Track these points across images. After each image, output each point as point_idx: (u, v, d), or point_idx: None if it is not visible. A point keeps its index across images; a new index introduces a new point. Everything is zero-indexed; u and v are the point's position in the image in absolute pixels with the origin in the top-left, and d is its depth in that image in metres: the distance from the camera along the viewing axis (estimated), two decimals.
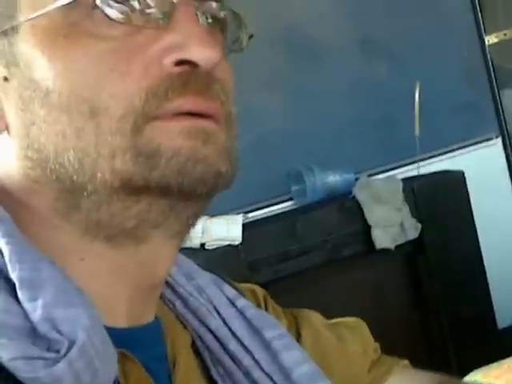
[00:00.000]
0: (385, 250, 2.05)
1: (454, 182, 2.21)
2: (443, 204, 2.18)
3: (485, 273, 2.18)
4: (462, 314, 2.11)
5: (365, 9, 2.32)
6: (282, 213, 2.11)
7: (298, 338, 0.68)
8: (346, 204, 2.06)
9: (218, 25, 0.50)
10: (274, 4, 2.24)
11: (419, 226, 2.12)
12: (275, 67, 2.25)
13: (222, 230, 1.82)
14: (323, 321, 0.73)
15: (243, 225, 1.89)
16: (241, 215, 1.94)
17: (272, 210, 2.14)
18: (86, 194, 0.45)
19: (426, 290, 2.15)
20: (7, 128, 0.47)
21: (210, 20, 0.49)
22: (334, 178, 2.13)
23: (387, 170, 2.28)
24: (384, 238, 2.06)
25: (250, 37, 0.52)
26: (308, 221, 1.99)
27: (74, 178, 0.45)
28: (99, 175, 0.44)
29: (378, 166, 2.28)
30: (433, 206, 2.15)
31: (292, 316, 0.71)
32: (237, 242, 1.85)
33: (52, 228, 0.47)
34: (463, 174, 2.21)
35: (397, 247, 2.07)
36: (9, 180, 0.47)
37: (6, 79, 0.46)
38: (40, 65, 0.45)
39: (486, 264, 2.20)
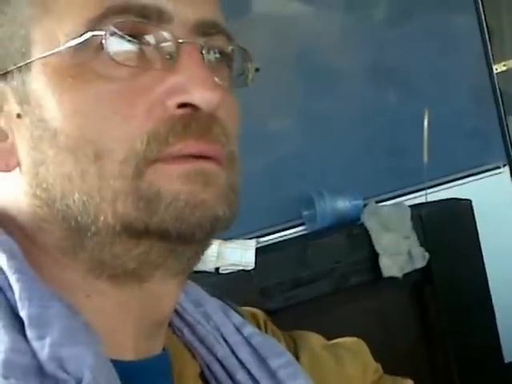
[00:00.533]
0: (392, 278, 2.05)
1: (462, 211, 2.20)
2: (451, 233, 2.17)
3: (491, 304, 2.17)
4: (468, 345, 2.10)
5: (376, 37, 2.34)
6: (294, 238, 2.12)
7: (297, 360, 0.68)
8: (354, 231, 2.07)
9: (224, 59, 0.50)
10: (289, 30, 2.25)
11: (427, 254, 2.11)
12: (288, 92, 2.26)
13: (236, 254, 1.84)
14: (323, 342, 0.73)
15: (256, 249, 1.90)
16: (254, 240, 1.95)
17: (284, 235, 2.14)
18: (89, 234, 0.46)
19: (432, 319, 2.15)
20: (19, 165, 0.48)
21: (217, 55, 0.49)
22: (343, 204, 2.13)
23: (395, 197, 2.28)
24: (392, 266, 2.05)
25: (256, 70, 0.52)
26: (318, 247, 1.99)
27: (79, 218, 0.46)
28: (102, 218, 0.45)
29: (387, 192, 2.29)
30: (440, 234, 2.15)
31: (290, 338, 0.71)
32: (250, 268, 1.86)
33: (59, 266, 0.48)
34: (471, 202, 2.21)
35: (404, 275, 2.07)
36: (19, 216, 0.48)
37: (19, 116, 0.47)
38: (50, 105, 0.45)
39: (492, 295, 2.19)
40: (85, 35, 0.44)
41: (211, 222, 0.46)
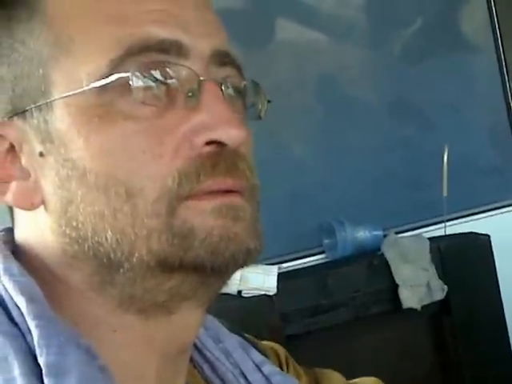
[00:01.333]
0: (411, 310, 2.06)
1: (480, 246, 2.21)
2: (469, 266, 2.18)
3: (508, 336, 2.18)
4: (485, 375, 2.09)
5: (398, 72, 2.37)
6: (315, 266, 2.13)
7: None
8: (374, 261, 2.09)
9: (239, 94, 0.51)
10: (312, 60, 2.28)
11: (445, 287, 2.12)
12: (309, 121, 2.29)
13: (259, 279, 1.88)
14: (344, 381, 0.74)
15: (278, 275, 1.93)
16: (276, 266, 1.98)
17: (305, 262, 2.16)
18: (121, 270, 0.46)
19: (450, 350, 2.14)
20: (43, 203, 0.48)
21: (231, 90, 0.50)
22: (363, 234, 2.15)
23: (414, 228, 2.30)
24: (411, 297, 2.06)
25: (268, 102, 0.53)
26: (338, 276, 2.01)
27: (112, 255, 0.46)
28: (136, 254, 0.45)
29: (406, 223, 2.30)
30: (459, 267, 2.16)
31: (312, 376, 0.71)
32: (272, 293, 1.89)
33: (86, 301, 0.48)
34: (489, 237, 2.22)
35: (423, 307, 2.07)
36: (45, 253, 0.48)
37: (41, 155, 0.47)
38: (76, 145, 0.46)
39: (509, 327, 2.19)
40: (111, 77, 0.45)
41: (244, 254, 0.47)
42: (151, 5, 0.47)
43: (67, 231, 0.47)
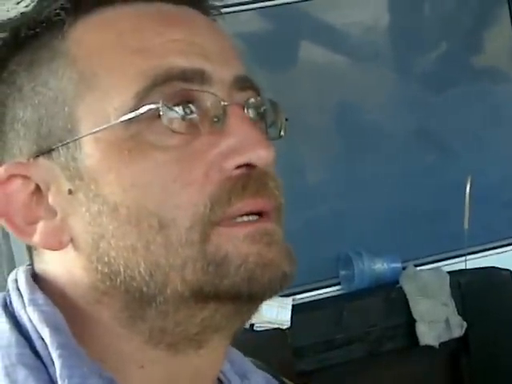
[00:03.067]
0: (428, 346, 2.02)
1: (502, 281, 2.19)
2: (490, 302, 2.15)
3: None
4: None
5: (422, 101, 2.35)
6: (330, 298, 2.10)
7: None
8: (391, 294, 2.06)
9: (260, 114, 0.52)
10: (335, 86, 2.27)
11: (464, 324, 2.09)
12: (327, 147, 2.26)
13: (273, 312, 1.84)
14: None
15: (292, 307, 1.89)
16: (291, 298, 1.94)
17: (320, 293, 2.13)
18: (154, 304, 0.46)
19: None
20: (72, 241, 0.48)
21: (253, 112, 0.51)
22: (381, 266, 2.13)
23: (434, 261, 2.26)
24: (428, 334, 2.03)
25: (286, 120, 0.53)
26: (354, 309, 1.98)
27: (144, 289, 0.46)
28: (171, 286, 0.45)
29: (426, 255, 2.27)
30: (479, 303, 2.13)
31: None
32: (285, 326, 1.84)
33: (113, 337, 0.47)
34: (511, 273, 2.18)
35: (440, 344, 2.04)
36: (73, 290, 0.48)
37: (70, 192, 0.47)
38: (107, 180, 0.46)
39: None
40: (140, 109, 0.45)
41: (280, 279, 0.46)
42: (172, 35, 0.48)
43: (99, 267, 0.47)
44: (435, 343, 2.02)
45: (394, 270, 2.13)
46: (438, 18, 2.41)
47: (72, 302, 0.48)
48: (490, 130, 2.39)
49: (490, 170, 2.36)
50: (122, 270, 0.46)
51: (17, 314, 0.47)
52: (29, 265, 0.52)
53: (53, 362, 0.44)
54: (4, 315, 0.47)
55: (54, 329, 0.45)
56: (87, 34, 0.49)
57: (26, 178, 0.48)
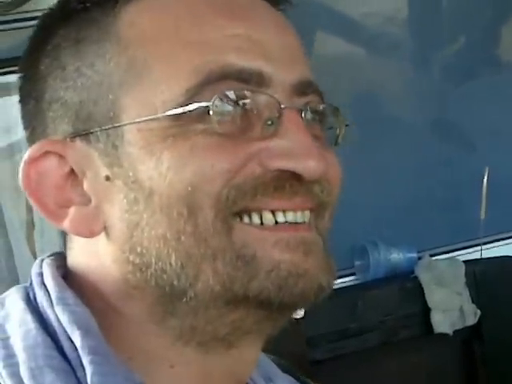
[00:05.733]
0: (442, 334, 2.04)
1: None
2: (504, 291, 2.15)
3: None
4: None
5: (440, 91, 2.34)
6: (344, 288, 2.11)
7: None
8: (407, 284, 2.07)
9: (318, 117, 0.49)
10: (350, 76, 2.25)
11: (478, 312, 2.10)
12: (344, 140, 2.27)
13: None
14: None
15: None
16: None
17: (335, 283, 2.14)
18: (184, 299, 0.45)
19: (480, 377, 2.12)
20: (105, 229, 0.46)
21: (311, 115, 0.48)
22: (397, 256, 2.14)
23: (450, 251, 2.27)
24: (443, 322, 2.05)
25: (346, 125, 0.51)
26: (368, 299, 2.00)
27: (175, 283, 0.44)
28: (202, 278, 0.44)
29: (441, 245, 2.27)
30: (493, 292, 2.14)
31: None
32: (299, 316, 1.85)
33: (144, 333, 0.46)
34: None
35: (454, 332, 2.06)
36: (103, 282, 0.47)
37: (108, 178, 0.46)
38: (147, 166, 0.44)
39: None
40: (190, 106, 0.44)
41: (315, 292, 0.45)
42: (232, 30, 0.46)
43: (131, 258, 0.45)
44: (449, 331, 2.04)
45: (410, 260, 2.13)
46: (457, 9, 2.38)
47: (102, 298, 0.47)
48: (508, 122, 2.37)
49: (508, 161, 2.35)
50: (153, 261, 0.44)
51: (42, 311, 0.46)
52: (50, 256, 0.50)
53: (82, 366, 0.42)
54: (29, 312, 0.45)
55: (85, 331, 0.43)
56: (141, 18, 0.46)
57: (61, 157, 0.47)
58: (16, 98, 0.51)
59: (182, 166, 0.44)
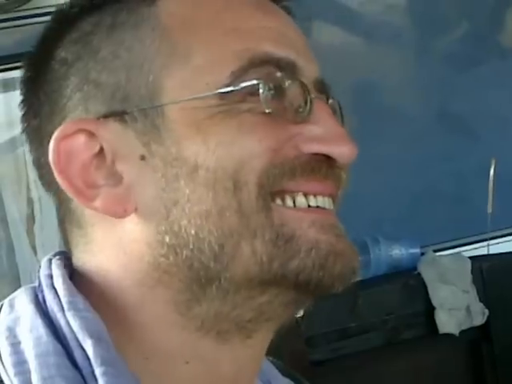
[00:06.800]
0: (447, 335, 1.99)
1: None
2: None
3: None
4: None
5: (443, 81, 2.31)
6: None
7: None
8: (410, 281, 2.02)
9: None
10: (352, 66, 2.23)
11: (486, 311, 2.04)
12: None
13: None
14: None
15: None
16: None
17: None
18: (217, 283, 0.46)
19: (489, 382, 2.06)
20: (136, 210, 0.47)
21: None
22: (399, 252, 2.09)
23: (455, 246, 2.23)
24: (448, 321, 1.99)
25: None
26: (369, 297, 1.95)
27: (211, 264, 0.45)
28: (240, 258, 0.45)
29: (446, 241, 2.23)
30: (502, 290, 2.09)
31: None
32: (298, 314, 1.80)
33: (164, 327, 0.47)
34: None
35: (460, 333, 2.00)
36: (126, 273, 0.47)
37: (143, 158, 0.47)
38: (193, 142, 0.46)
39: None
40: (241, 84, 0.46)
41: (350, 273, 0.47)
42: (266, 22, 0.49)
43: (166, 239, 0.46)
44: (455, 331, 1.98)
45: (413, 256, 2.09)
46: None
47: (120, 295, 0.47)
48: None
49: None
50: (191, 240, 0.45)
51: (52, 315, 0.46)
52: (56, 255, 0.51)
53: (94, 377, 0.43)
54: (39, 317, 0.46)
55: (97, 340, 0.44)
56: (181, 7, 0.49)
57: (91, 136, 0.48)
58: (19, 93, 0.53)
59: (231, 142, 0.45)
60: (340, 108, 0.54)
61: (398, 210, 2.21)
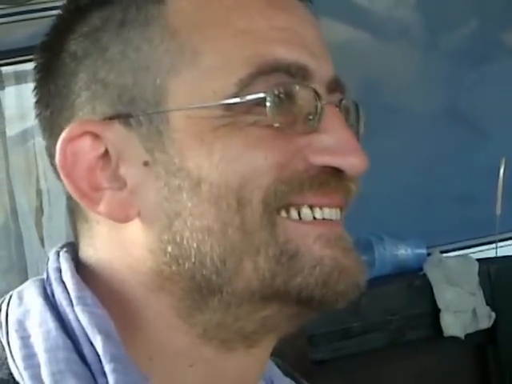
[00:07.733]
0: (452, 338, 1.96)
1: None
2: None
3: None
4: None
5: (451, 78, 2.29)
6: None
7: None
8: (415, 282, 2.01)
9: (344, 112, 0.51)
10: (358, 63, 2.20)
11: (493, 314, 2.02)
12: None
13: None
14: None
15: None
16: None
17: None
18: (219, 295, 0.45)
19: None
20: (139, 216, 0.47)
21: (344, 111, 0.51)
22: (404, 252, 2.07)
23: (462, 248, 2.20)
24: (454, 324, 1.96)
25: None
26: (373, 297, 1.90)
27: (213, 278, 0.45)
28: (242, 275, 0.45)
29: (453, 241, 2.21)
30: (509, 293, 2.06)
31: None
32: None
33: (168, 329, 0.47)
34: None
35: (466, 336, 1.98)
36: (129, 275, 0.47)
37: (146, 164, 0.46)
38: (196, 153, 0.45)
39: None
40: (247, 97, 0.45)
41: (354, 290, 0.46)
42: (278, 22, 0.48)
43: (168, 248, 0.46)
44: (461, 334, 1.96)
45: (419, 256, 2.07)
46: None
47: (124, 293, 0.47)
48: None
49: None
50: (193, 253, 0.45)
51: (61, 309, 0.46)
52: (63, 247, 0.51)
53: (103, 373, 0.43)
54: (48, 310, 0.46)
55: (106, 336, 0.44)
56: (190, 5, 0.48)
57: (96, 138, 0.47)
58: (31, 85, 0.53)
59: (236, 158, 0.45)
60: (357, 107, 0.52)
61: (405, 209, 2.17)
